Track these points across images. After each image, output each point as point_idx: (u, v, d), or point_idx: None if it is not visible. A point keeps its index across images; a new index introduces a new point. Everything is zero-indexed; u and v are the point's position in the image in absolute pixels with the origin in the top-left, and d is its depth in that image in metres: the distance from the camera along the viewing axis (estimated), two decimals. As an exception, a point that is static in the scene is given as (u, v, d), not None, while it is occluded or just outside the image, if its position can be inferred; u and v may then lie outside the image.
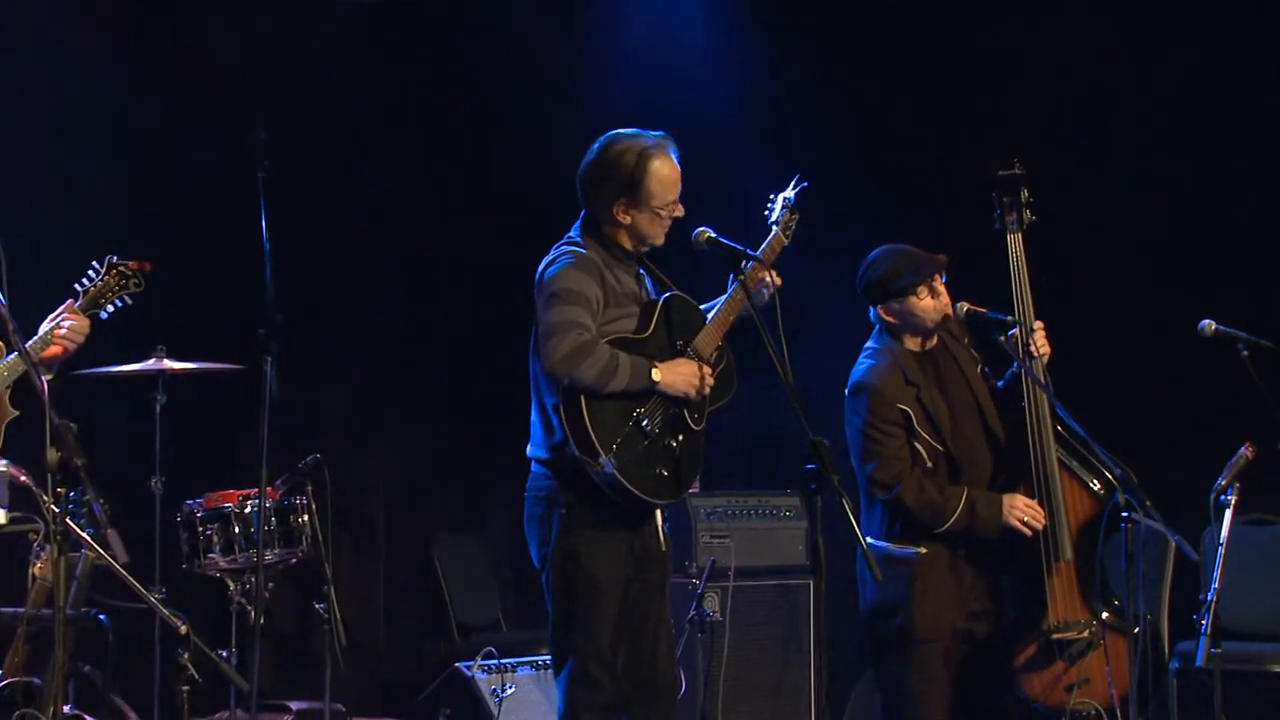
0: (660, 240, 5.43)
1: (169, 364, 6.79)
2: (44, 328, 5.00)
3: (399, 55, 9.12)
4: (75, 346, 5.02)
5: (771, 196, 5.59)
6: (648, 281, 5.53)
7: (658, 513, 5.45)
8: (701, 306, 5.50)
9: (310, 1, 9.12)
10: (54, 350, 4.96)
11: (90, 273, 5.18)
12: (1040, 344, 5.68)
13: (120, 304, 5.22)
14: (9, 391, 4.89)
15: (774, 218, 5.56)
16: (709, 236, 5.29)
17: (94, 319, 5.17)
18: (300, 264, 7.29)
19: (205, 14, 8.45)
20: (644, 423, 5.23)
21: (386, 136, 9.05)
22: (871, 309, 5.80)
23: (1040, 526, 5.56)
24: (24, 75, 7.66)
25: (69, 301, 5.08)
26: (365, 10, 9.25)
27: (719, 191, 6.46)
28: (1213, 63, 7.74)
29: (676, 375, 5.29)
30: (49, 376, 4.92)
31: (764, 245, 5.49)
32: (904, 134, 8.21)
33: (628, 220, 5.35)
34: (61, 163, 7.71)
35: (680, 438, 5.33)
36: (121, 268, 5.19)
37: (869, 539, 5.60)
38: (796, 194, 5.58)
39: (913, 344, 5.77)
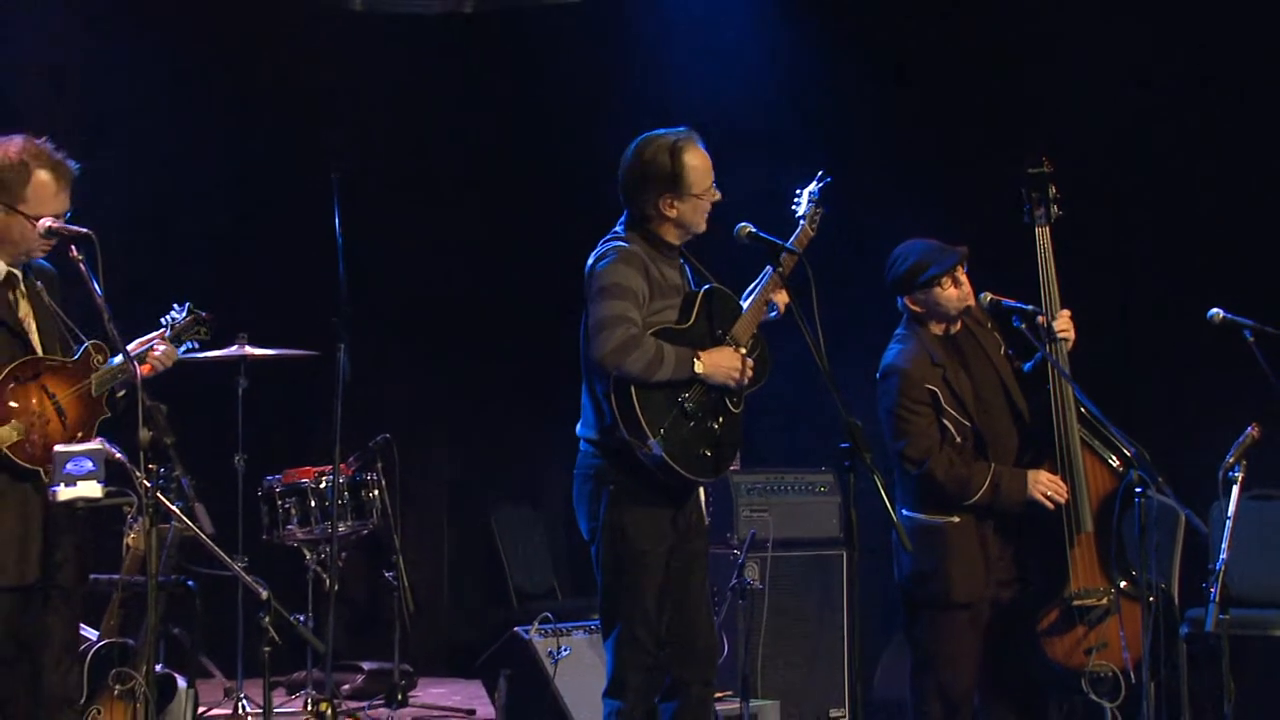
0: (703, 227, 5.37)
1: (250, 351, 6.81)
2: (135, 347, 5.00)
3: (460, 64, 9.14)
4: (162, 369, 5.04)
5: (798, 191, 5.55)
6: (688, 272, 5.50)
7: (700, 489, 5.44)
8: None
9: (376, 18, 9.17)
10: (144, 369, 4.96)
11: (174, 311, 5.18)
12: (1063, 329, 5.64)
13: (192, 346, 5.23)
14: (106, 394, 4.89)
15: (800, 211, 5.52)
16: (749, 231, 5.26)
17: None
18: (370, 260, 7.30)
19: (281, 33, 8.49)
20: (688, 407, 5.19)
21: (449, 141, 9.06)
22: (899, 299, 5.77)
23: (1063, 500, 5.52)
24: (124, 93, 7.70)
25: (160, 330, 5.10)
26: (429, 24, 9.28)
27: (761, 186, 6.41)
28: (1228, 66, 7.68)
29: (718, 365, 5.25)
30: (122, 394, 4.96)
31: (793, 237, 5.44)
32: (940, 133, 8.16)
33: (673, 213, 5.31)
34: (156, 168, 7.74)
35: (721, 420, 5.29)
36: (196, 314, 5.19)
37: (904, 511, 5.61)
38: (820, 188, 5.53)
39: (938, 329, 5.73)
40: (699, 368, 5.20)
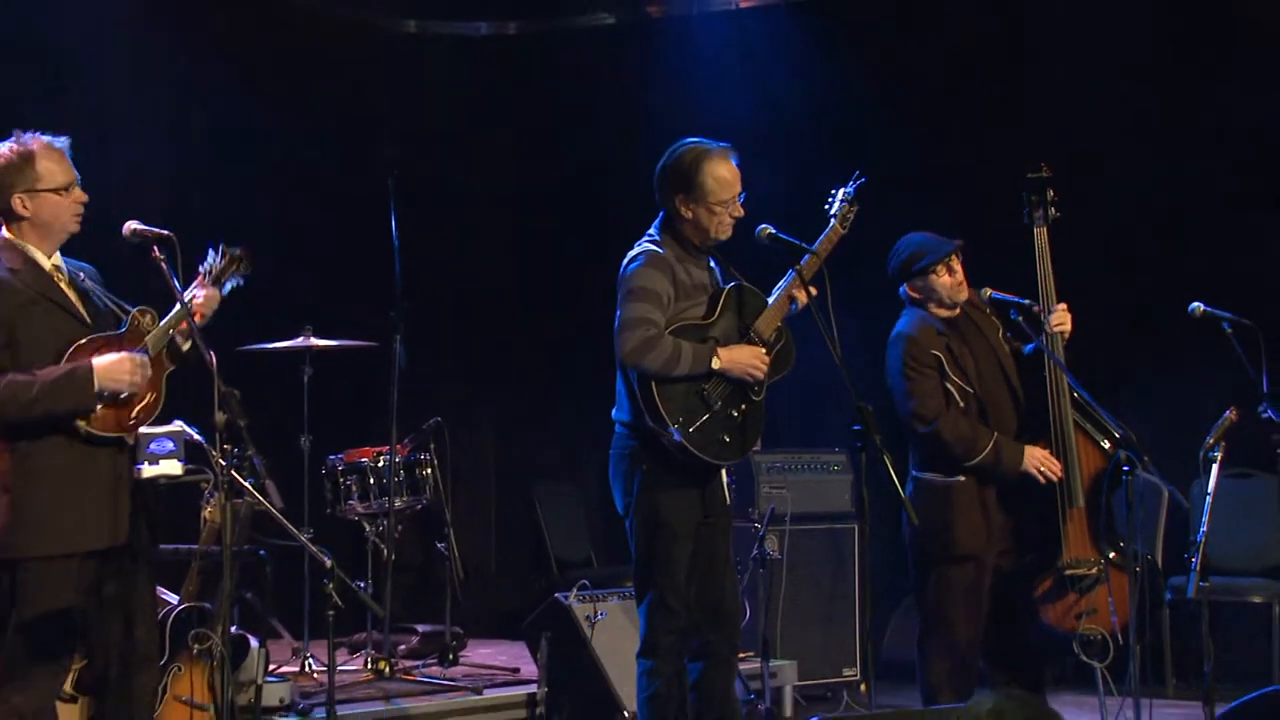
0: (723, 235, 5.33)
1: (315, 342, 6.84)
2: (176, 310, 4.98)
3: (504, 79, 9.16)
4: (209, 314, 4.99)
5: (833, 191, 5.54)
6: (718, 272, 5.49)
7: (723, 470, 5.45)
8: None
9: (429, 39, 9.20)
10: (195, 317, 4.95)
11: (209, 256, 5.14)
12: (1060, 321, 5.64)
13: (235, 283, 5.15)
14: (165, 351, 4.86)
15: (833, 210, 5.50)
16: (770, 233, 5.26)
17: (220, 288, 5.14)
18: (423, 259, 7.32)
19: (344, 54, 8.54)
20: (708, 397, 5.19)
21: (495, 149, 9.08)
22: (901, 288, 5.77)
23: (1055, 476, 5.52)
24: (207, 109, 7.75)
25: (200, 277, 5.05)
26: (476, 44, 9.31)
27: (780, 190, 6.42)
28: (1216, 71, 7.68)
29: (736, 360, 5.22)
30: (187, 345, 4.92)
31: (820, 238, 5.42)
32: (946, 141, 8.17)
33: (689, 215, 5.28)
34: (231, 175, 7.78)
35: (743, 407, 5.28)
36: (232, 252, 5.13)
37: (914, 471, 5.64)
38: (856, 188, 5.52)
39: (940, 309, 5.74)
40: (717, 364, 5.19)
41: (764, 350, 5.28)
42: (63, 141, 4.85)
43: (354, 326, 7.06)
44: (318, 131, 8.32)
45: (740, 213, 5.33)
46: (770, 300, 5.40)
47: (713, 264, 5.48)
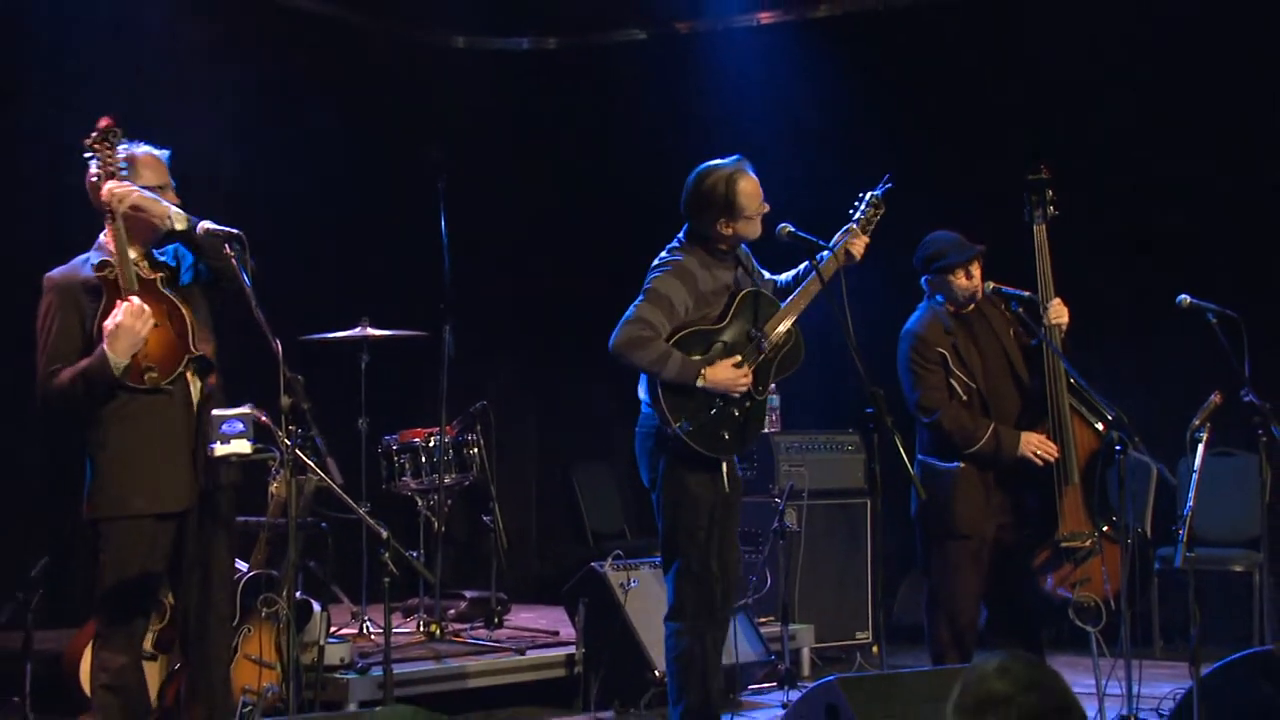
0: (756, 235, 5.36)
1: (371, 331, 6.85)
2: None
3: (545, 90, 9.17)
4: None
5: (861, 195, 5.48)
6: (740, 271, 5.47)
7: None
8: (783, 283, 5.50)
9: (476, 52, 9.21)
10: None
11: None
12: (1056, 313, 5.62)
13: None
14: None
15: (856, 215, 5.43)
16: (789, 231, 5.25)
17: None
18: (470, 256, 7.34)
19: (398, 67, 8.58)
20: (710, 399, 5.20)
21: (537, 154, 9.09)
22: (923, 278, 5.77)
23: (1051, 458, 5.51)
24: (273, 117, 7.78)
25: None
26: (520, 57, 9.32)
27: (803, 194, 6.42)
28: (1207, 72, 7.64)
29: (718, 380, 5.19)
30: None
31: (835, 238, 5.39)
32: (954, 145, 8.15)
33: (729, 232, 5.29)
34: (296, 179, 7.81)
35: (747, 405, 5.28)
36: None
37: (920, 456, 5.62)
38: (884, 191, 5.47)
39: (952, 309, 5.72)
40: (701, 382, 5.18)
41: (747, 367, 5.24)
42: (164, 153, 4.88)
43: (407, 318, 7.08)
44: (374, 138, 8.35)
45: (766, 208, 5.34)
46: (785, 303, 5.40)
47: (740, 260, 5.47)
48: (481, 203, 8.33)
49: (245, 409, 4.76)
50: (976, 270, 5.65)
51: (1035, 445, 5.52)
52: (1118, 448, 5.24)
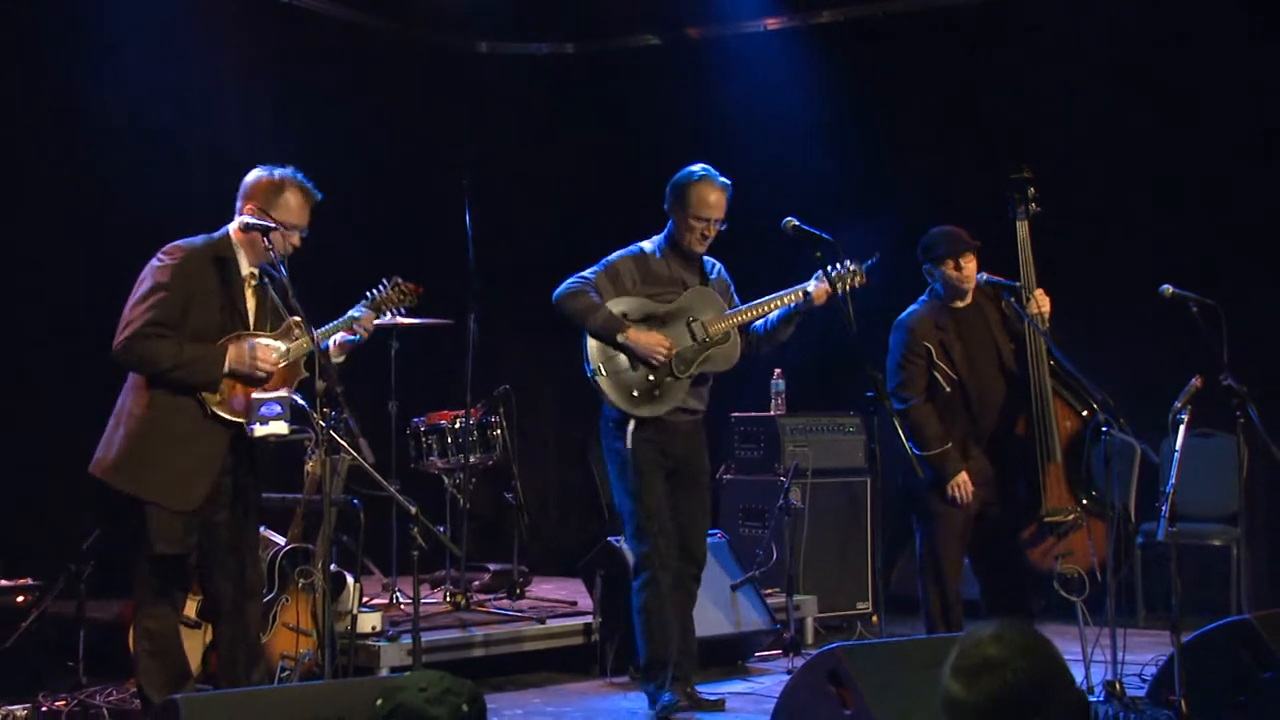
0: (695, 248, 5.51)
1: (401, 320, 6.86)
2: (341, 319, 5.06)
3: (564, 92, 9.17)
4: (365, 336, 5.09)
5: (845, 260, 5.37)
6: (710, 275, 5.61)
7: (694, 436, 5.59)
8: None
9: (498, 57, 9.21)
10: (348, 333, 5.05)
11: (380, 285, 5.23)
12: (1039, 304, 5.63)
13: (397, 313, 5.28)
14: (304, 361, 4.95)
15: (831, 270, 5.33)
16: (794, 225, 5.26)
17: (379, 315, 5.21)
18: (494, 247, 7.35)
19: (425, 71, 8.58)
20: (631, 358, 5.42)
21: (555, 152, 9.09)
22: (923, 267, 5.78)
23: (965, 503, 5.53)
24: (306, 117, 7.79)
25: (363, 305, 5.10)
26: (540, 62, 9.32)
27: (807, 193, 6.42)
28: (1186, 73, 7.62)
29: (639, 341, 5.42)
30: (341, 359, 5.03)
31: (811, 283, 5.43)
32: (950, 145, 8.14)
33: (677, 222, 5.51)
34: (330, 177, 7.81)
35: (666, 380, 5.44)
36: (403, 287, 5.24)
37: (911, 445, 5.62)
38: (868, 266, 5.43)
39: (950, 298, 5.72)
40: (622, 338, 5.39)
41: (669, 343, 5.43)
42: (318, 196, 4.94)
43: (434, 306, 7.08)
44: (405, 137, 8.36)
45: (711, 233, 5.48)
46: (736, 309, 5.50)
47: (711, 271, 5.61)
48: (505, 199, 8.34)
49: (283, 393, 4.79)
50: (968, 264, 5.65)
51: (958, 485, 5.53)
52: (1104, 428, 5.24)
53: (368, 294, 5.14)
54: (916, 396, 5.60)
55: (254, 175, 4.94)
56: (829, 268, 5.34)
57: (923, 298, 5.77)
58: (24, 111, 6.83)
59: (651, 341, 5.42)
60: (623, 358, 5.43)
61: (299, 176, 4.94)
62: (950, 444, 5.57)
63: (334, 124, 7.91)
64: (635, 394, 5.44)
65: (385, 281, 5.18)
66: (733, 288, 5.70)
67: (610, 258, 5.56)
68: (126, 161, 7.06)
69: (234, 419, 4.78)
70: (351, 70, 8.15)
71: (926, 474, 5.55)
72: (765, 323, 5.56)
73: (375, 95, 8.23)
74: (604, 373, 5.45)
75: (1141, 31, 7.71)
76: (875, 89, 8.38)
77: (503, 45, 9.29)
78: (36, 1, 6.91)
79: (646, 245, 5.59)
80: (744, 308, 5.53)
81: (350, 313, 5.06)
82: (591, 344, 5.47)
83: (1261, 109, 7.53)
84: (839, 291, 5.32)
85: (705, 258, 5.66)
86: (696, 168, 5.53)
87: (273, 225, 4.79)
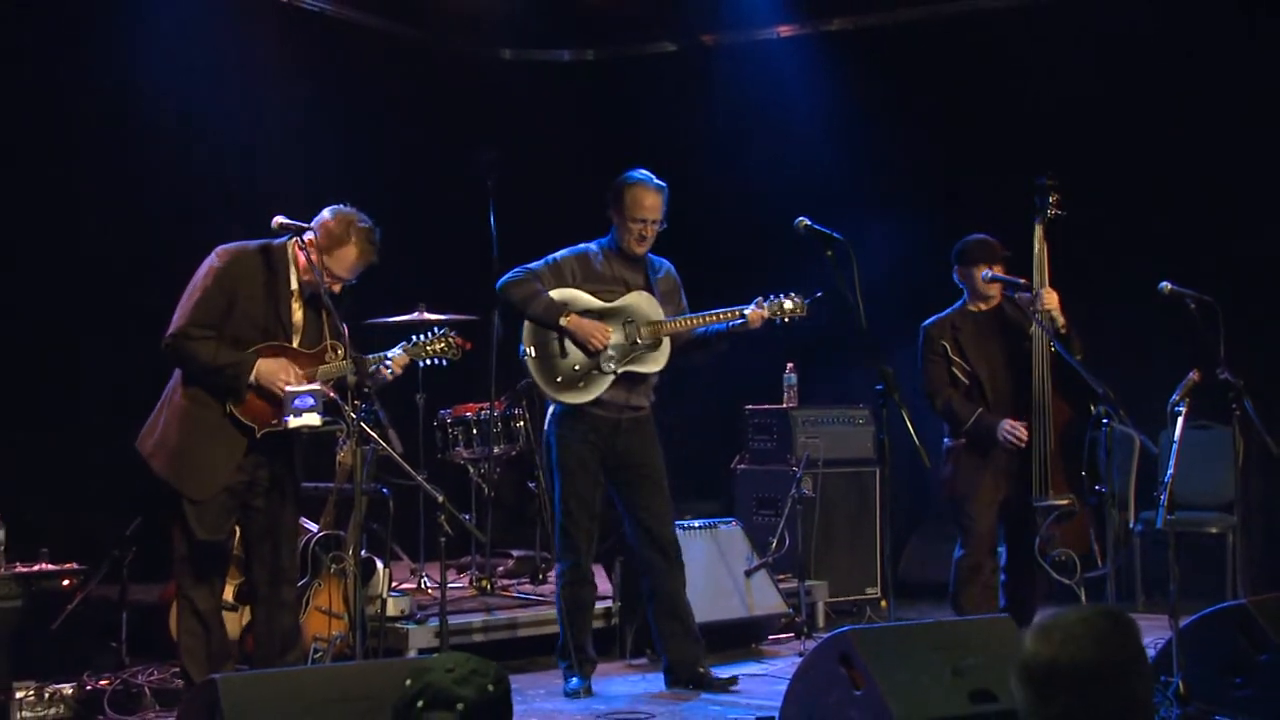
0: (634, 249, 5.54)
1: (427, 315, 6.87)
2: (377, 354, 5.07)
3: (584, 96, 9.17)
4: (391, 378, 5.09)
5: (787, 291, 5.52)
6: (651, 277, 5.63)
7: (641, 433, 5.60)
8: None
9: (521, 63, 9.23)
10: (383, 373, 5.08)
11: (431, 331, 5.24)
12: (1047, 301, 5.63)
13: (437, 362, 5.29)
14: (334, 383, 4.97)
15: (768, 299, 5.49)
16: (806, 224, 5.25)
17: (413, 361, 5.21)
18: (515, 245, 7.33)
19: (451, 76, 8.59)
20: (563, 344, 5.48)
21: (576, 153, 9.09)
22: (954, 268, 5.85)
23: (1021, 442, 5.58)
24: (330, 118, 7.81)
25: (404, 345, 5.12)
26: (561, 68, 9.32)
27: (816, 195, 6.41)
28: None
29: (580, 326, 5.46)
30: (392, 374, 5.07)
31: (752, 305, 5.49)
32: (962, 150, 8.13)
33: (615, 223, 5.56)
34: (362, 179, 7.84)
35: (593, 371, 5.48)
36: (451, 340, 5.25)
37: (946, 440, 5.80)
38: (810, 301, 5.55)
39: (975, 302, 5.81)
40: (564, 321, 5.45)
41: (609, 332, 5.47)
42: (377, 234, 4.96)
43: (459, 302, 7.10)
44: (432, 141, 8.37)
45: (649, 233, 5.53)
46: (680, 316, 5.56)
47: (657, 272, 5.64)
48: (526, 199, 8.35)
49: (316, 385, 4.81)
50: (995, 270, 5.72)
51: (1007, 430, 5.60)
52: (1105, 421, 5.23)
53: (414, 336, 5.16)
54: (939, 393, 5.74)
55: (331, 213, 4.90)
56: (768, 296, 5.52)
57: (957, 303, 5.90)
58: (80, 114, 6.90)
59: (591, 328, 5.47)
60: (554, 344, 5.47)
61: (369, 234, 4.90)
62: (980, 409, 5.67)
63: (364, 126, 7.95)
64: (559, 379, 5.50)
65: (437, 330, 5.19)
66: (682, 289, 5.74)
67: (555, 254, 5.62)
68: (171, 159, 7.12)
69: (248, 423, 4.80)
70: (381, 76, 8.19)
71: (948, 458, 5.69)
72: (706, 330, 5.60)
73: (404, 99, 8.26)
74: (534, 355, 5.50)
75: (1143, 33, 7.66)
76: (883, 95, 8.36)
77: (525, 52, 9.30)
78: (90, 18, 6.95)
79: (592, 246, 5.65)
80: (679, 318, 5.57)
81: (388, 351, 5.05)
82: (527, 327, 5.53)
83: (1261, 108, 7.50)
84: (777, 320, 5.48)
85: (655, 258, 5.70)
86: (634, 172, 5.59)
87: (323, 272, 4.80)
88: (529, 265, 5.59)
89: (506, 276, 5.56)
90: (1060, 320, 5.60)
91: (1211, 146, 7.50)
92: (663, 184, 5.58)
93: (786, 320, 5.50)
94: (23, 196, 6.59)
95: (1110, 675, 2.30)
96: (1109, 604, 2.41)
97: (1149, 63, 7.65)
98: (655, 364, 5.58)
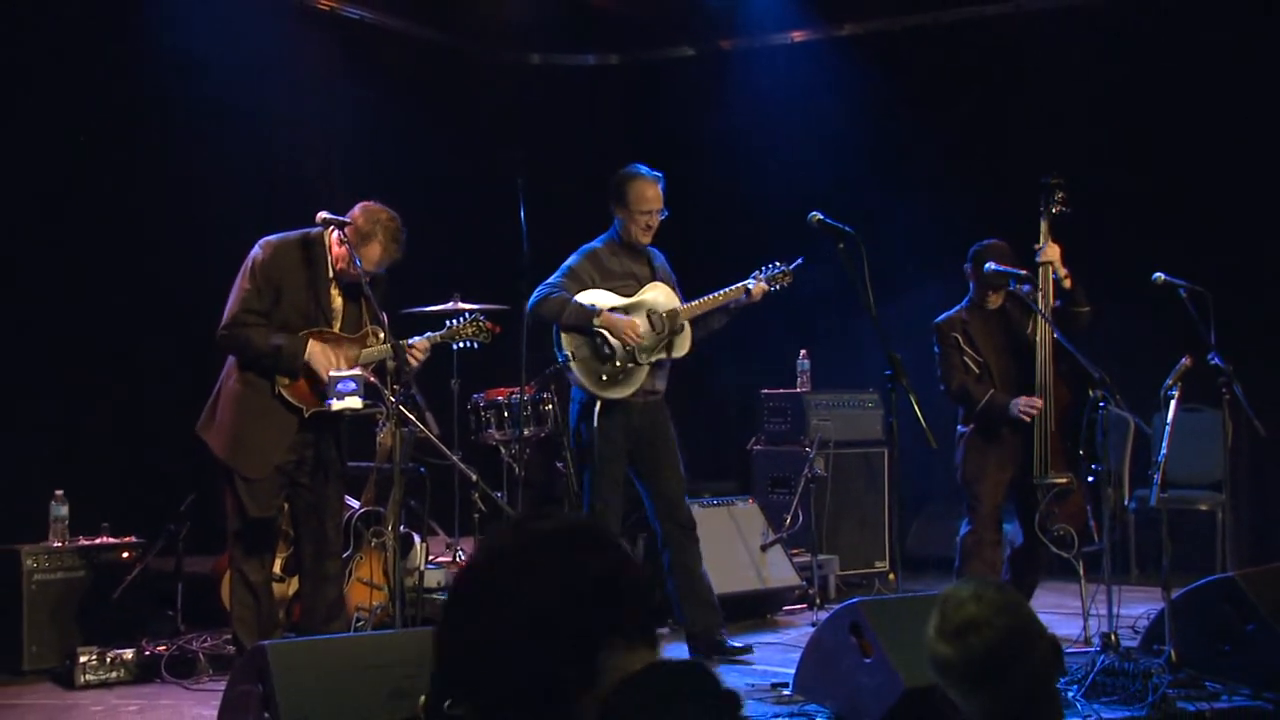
0: (641, 239, 5.56)
1: (462, 305, 6.89)
2: (412, 340, 5.08)
3: (609, 99, 9.17)
4: (418, 363, 5.08)
5: (775, 263, 5.63)
6: (656, 267, 5.65)
7: (654, 410, 5.60)
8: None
9: (550, 67, 9.22)
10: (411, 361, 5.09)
11: (463, 316, 5.27)
12: (1049, 253, 5.63)
13: (469, 345, 5.30)
14: (374, 367, 5.00)
15: (764, 273, 5.58)
16: (819, 219, 5.24)
17: (444, 346, 5.21)
18: (544, 239, 7.32)
19: (483, 80, 8.61)
20: (599, 344, 5.43)
21: (601, 153, 9.08)
22: (965, 265, 5.85)
23: (1035, 413, 5.59)
24: (371, 120, 7.84)
25: (429, 335, 5.12)
26: (587, 71, 9.32)
27: (829, 193, 6.39)
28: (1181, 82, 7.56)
29: (614, 324, 5.44)
30: (423, 355, 5.07)
31: (752, 279, 5.56)
32: (970, 152, 8.11)
33: (621, 218, 5.55)
34: (393, 178, 7.86)
35: (629, 365, 5.46)
36: (482, 324, 5.25)
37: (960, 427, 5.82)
38: (794, 267, 5.63)
39: (982, 297, 5.81)
40: (598, 322, 5.40)
41: (644, 327, 5.48)
42: (404, 233, 4.99)
43: (492, 292, 7.11)
44: (464, 140, 8.39)
45: (654, 223, 5.53)
46: (698, 299, 5.57)
47: (655, 262, 5.64)
48: (554, 196, 8.35)
49: (358, 371, 4.84)
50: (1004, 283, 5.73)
51: (1023, 405, 5.59)
52: (1101, 403, 5.22)
53: (447, 323, 5.17)
54: (952, 380, 5.76)
55: (361, 210, 4.94)
56: (764, 268, 5.60)
57: (966, 299, 5.90)
58: (132, 117, 6.92)
59: (624, 324, 5.46)
60: (592, 346, 5.44)
61: (394, 232, 4.92)
62: (992, 389, 5.67)
63: (401, 126, 7.96)
64: (604, 378, 5.48)
65: (468, 314, 5.21)
66: (674, 277, 5.76)
67: (566, 263, 5.60)
68: (215, 156, 7.14)
69: (296, 404, 4.83)
70: (417, 79, 8.21)
71: (959, 443, 5.74)
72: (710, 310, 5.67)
73: (438, 101, 8.27)
74: (575, 359, 5.46)
75: (1144, 35, 7.62)
76: (893, 98, 8.33)
77: (553, 57, 9.30)
78: (137, 28, 6.98)
79: (596, 243, 5.63)
80: (699, 301, 5.60)
81: (412, 339, 5.05)
82: (563, 336, 5.49)
83: (1258, 107, 7.46)
84: (776, 289, 5.60)
85: (650, 248, 5.71)
86: (632, 166, 5.60)
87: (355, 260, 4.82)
88: (549, 281, 5.56)
89: (533, 299, 5.50)
90: (1063, 271, 5.61)
91: (1213, 143, 7.45)
92: (659, 174, 5.60)
93: (779, 288, 5.62)
94: (89, 205, 6.65)
95: (1023, 630, 2.43)
96: (971, 580, 2.52)
97: (1149, 63, 7.60)
98: (682, 348, 5.61)
